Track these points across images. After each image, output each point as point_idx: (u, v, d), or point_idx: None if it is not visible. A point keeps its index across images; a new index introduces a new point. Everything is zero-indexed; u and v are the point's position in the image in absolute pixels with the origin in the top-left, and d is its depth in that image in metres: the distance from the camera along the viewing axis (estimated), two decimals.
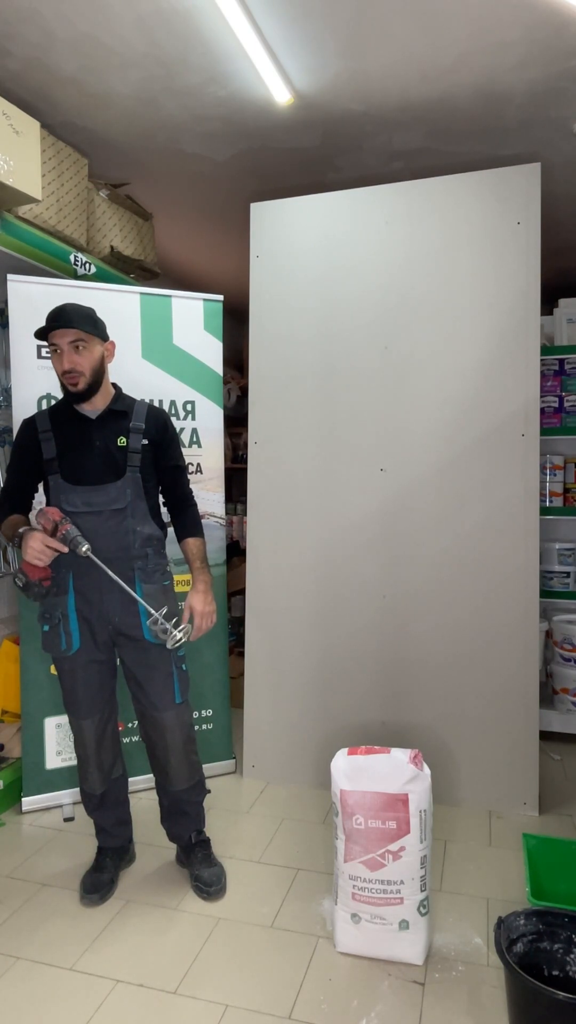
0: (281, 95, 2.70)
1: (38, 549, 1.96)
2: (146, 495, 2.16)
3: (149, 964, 1.87)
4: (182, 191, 3.62)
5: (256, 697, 2.99)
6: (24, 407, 2.67)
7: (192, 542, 2.26)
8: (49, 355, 2.68)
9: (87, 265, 3.08)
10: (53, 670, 2.70)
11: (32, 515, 2.19)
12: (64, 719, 2.72)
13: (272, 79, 2.59)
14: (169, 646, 2.05)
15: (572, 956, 1.66)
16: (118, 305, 2.78)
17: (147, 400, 2.39)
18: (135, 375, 2.75)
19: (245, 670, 3.00)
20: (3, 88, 2.68)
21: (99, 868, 2.21)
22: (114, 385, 2.21)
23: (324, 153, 3.22)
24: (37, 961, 1.89)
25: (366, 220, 2.83)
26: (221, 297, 3.01)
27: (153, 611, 2.04)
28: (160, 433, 2.21)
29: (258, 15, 2.28)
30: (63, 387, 2.11)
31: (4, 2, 2.23)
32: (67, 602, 2.10)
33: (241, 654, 3.13)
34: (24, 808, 2.67)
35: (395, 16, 2.28)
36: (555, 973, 1.66)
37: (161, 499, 2.28)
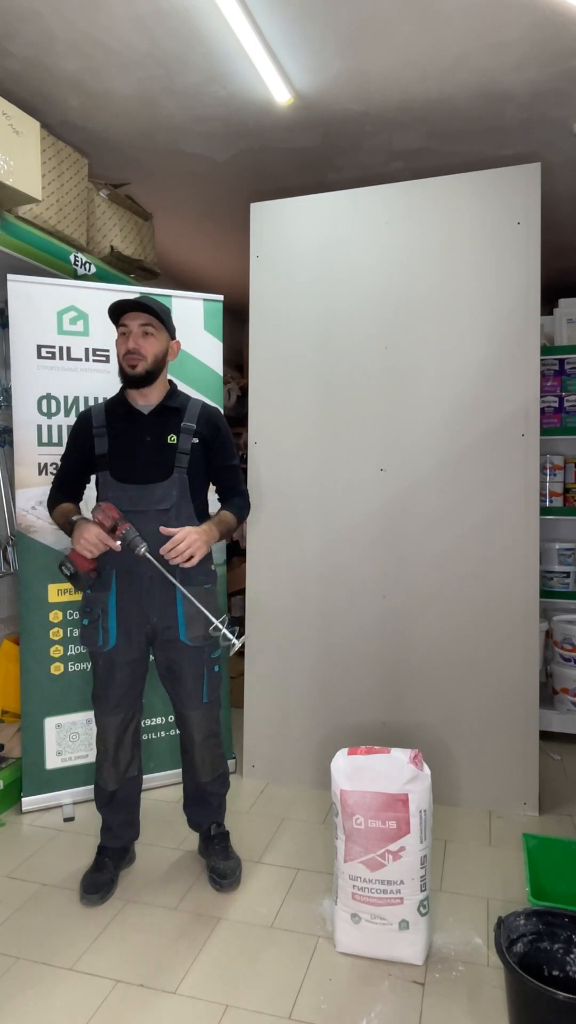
0: (281, 95, 2.70)
1: (92, 542, 1.98)
2: (193, 497, 2.16)
3: (149, 964, 1.87)
4: (182, 191, 3.62)
5: (256, 697, 2.99)
6: (24, 407, 2.67)
7: (225, 512, 2.23)
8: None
9: (87, 265, 3.08)
10: (54, 670, 2.71)
11: (83, 505, 2.22)
12: (64, 719, 2.73)
13: (272, 79, 2.59)
14: (221, 645, 2.09)
15: (572, 956, 1.66)
16: None
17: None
18: None
19: (245, 670, 3.00)
20: (3, 88, 2.69)
21: (99, 868, 2.21)
22: (170, 381, 2.23)
23: (324, 153, 3.22)
24: (37, 961, 1.88)
25: (366, 220, 2.83)
26: (221, 297, 3.00)
27: (214, 619, 2.06)
28: (212, 433, 2.21)
29: (258, 15, 2.28)
30: (121, 369, 2.12)
31: (4, 2, 2.23)
32: (108, 599, 2.11)
33: (241, 654, 3.12)
34: (24, 808, 2.67)
35: (395, 16, 2.28)
36: (555, 973, 1.66)
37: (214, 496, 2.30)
